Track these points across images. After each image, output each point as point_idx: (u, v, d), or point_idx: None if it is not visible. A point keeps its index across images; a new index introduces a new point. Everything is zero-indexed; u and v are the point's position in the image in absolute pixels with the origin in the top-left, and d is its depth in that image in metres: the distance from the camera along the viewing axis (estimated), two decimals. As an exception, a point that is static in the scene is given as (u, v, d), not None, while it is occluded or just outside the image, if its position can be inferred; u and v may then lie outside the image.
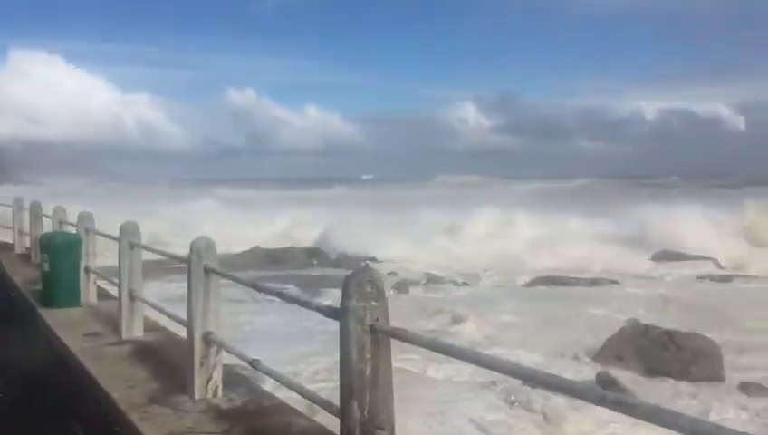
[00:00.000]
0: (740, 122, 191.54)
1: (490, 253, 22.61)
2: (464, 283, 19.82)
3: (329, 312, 3.35)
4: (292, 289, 17.40)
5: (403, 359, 9.60)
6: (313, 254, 23.89)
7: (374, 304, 3.11)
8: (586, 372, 10.39)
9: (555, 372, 10.21)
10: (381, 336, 3.11)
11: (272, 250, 24.26)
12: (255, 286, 4.46)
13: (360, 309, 3.10)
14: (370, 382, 3.09)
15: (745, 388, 9.70)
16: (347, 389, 3.12)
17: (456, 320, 14.26)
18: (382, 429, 3.10)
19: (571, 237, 23.95)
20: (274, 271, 21.32)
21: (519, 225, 25.15)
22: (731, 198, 30.00)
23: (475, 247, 23.13)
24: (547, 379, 2.42)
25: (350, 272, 3.31)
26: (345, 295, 3.14)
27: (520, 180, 61.26)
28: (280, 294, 4.13)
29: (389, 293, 17.99)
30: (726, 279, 20.56)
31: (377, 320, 3.10)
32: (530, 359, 11.37)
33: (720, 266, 22.57)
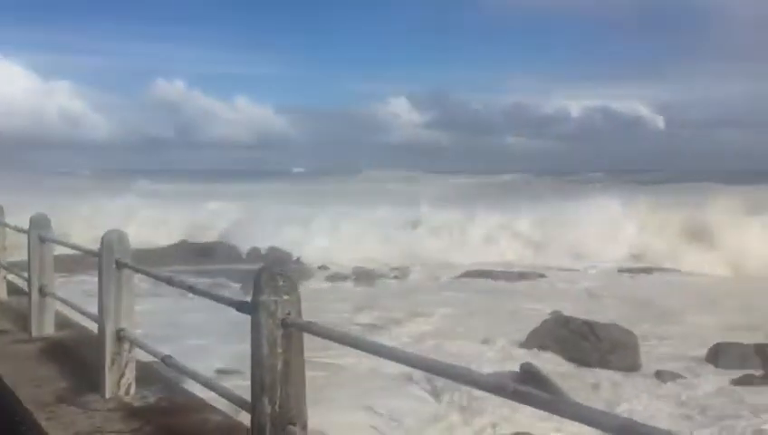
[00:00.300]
0: (659, 121, 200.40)
1: (418, 247, 22.74)
2: (395, 277, 19.93)
3: (240, 306, 3.28)
4: (231, 285, 17.09)
5: (340, 354, 9.57)
6: (242, 248, 23.53)
7: (286, 297, 3.06)
8: (515, 363, 10.58)
9: (486, 362, 10.48)
10: (293, 330, 3.06)
11: (200, 244, 23.79)
12: (169, 281, 4.33)
13: (272, 303, 3.04)
14: (282, 377, 3.03)
15: (660, 376, 10.11)
16: (258, 384, 3.06)
17: (392, 314, 14.34)
18: (294, 424, 3.05)
19: (498, 231, 24.33)
20: (204, 265, 20.94)
21: (446, 219, 25.30)
22: (650, 193, 31.13)
23: (402, 241, 23.21)
24: (458, 373, 2.42)
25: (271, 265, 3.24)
26: (256, 289, 3.07)
27: (450, 175, 61.94)
28: (191, 288, 4.02)
29: (322, 286, 17.94)
30: (646, 271, 21.37)
31: (289, 314, 3.05)
32: (463, 350, 11.56)
33: (640, 260, 23.38)
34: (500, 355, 11.13)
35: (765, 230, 22.33)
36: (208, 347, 10.70)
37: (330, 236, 22.89)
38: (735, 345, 11.00)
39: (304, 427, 3.10)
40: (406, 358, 2.61)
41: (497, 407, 8.16)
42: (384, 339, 11.76)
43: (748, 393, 9.36)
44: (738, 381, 9.88)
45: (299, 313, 3.10)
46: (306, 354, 3.12)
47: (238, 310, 3.29)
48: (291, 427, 3.04)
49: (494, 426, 8.16)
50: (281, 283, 3.07)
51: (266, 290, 3.05)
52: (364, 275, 19.46)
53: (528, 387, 2.07)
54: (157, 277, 4.49)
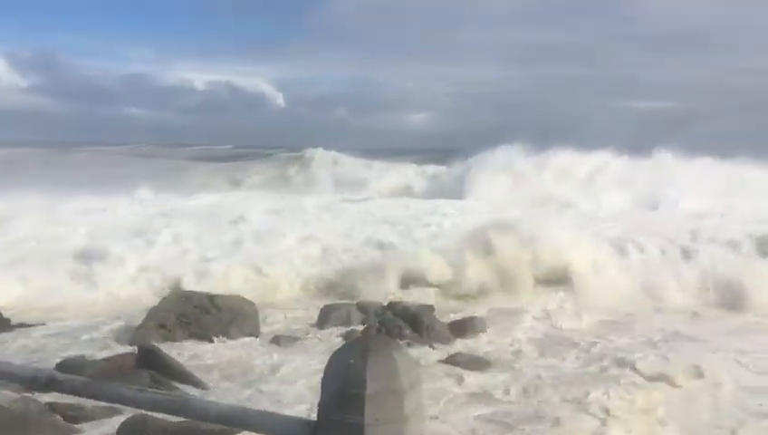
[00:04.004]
0: (279, 98, 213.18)
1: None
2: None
3: None
4: None
5: None
6: None
7: None
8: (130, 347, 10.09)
9: (99, 350, 9.77)
10: None
11: None
12: None
13: None
14: None
15: (276, 340, 10.68)
16: None
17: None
18: None
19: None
20: None
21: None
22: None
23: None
24: None
25: None
26: None
27: (58, 147, 56.42)
28: None
29: None
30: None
31: None
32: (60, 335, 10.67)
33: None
34: (112, 342, 10.50)
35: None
36: None
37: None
38: (342, 305, 12.11)
39: None
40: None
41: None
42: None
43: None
44: (345, 336, 10.91)
45: None
46: None
47: None
48: None
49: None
50: None
51: None
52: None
53: (67, 375, 1.87)
54: None
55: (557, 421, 7.66)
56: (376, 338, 1.79)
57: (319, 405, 1.83)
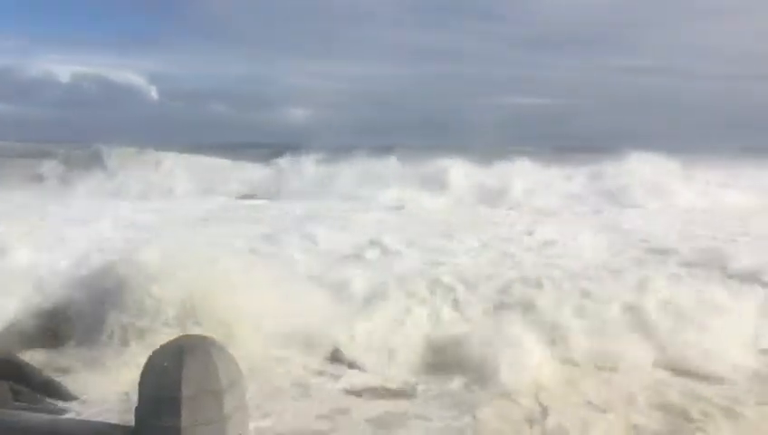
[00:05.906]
0: (153, 92, 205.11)
1: None
2: None
3: None
4: None
5: None
6: None
7: None
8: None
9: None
10: None
11: None
12: None
13: None
14: None
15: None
16: None
17: None
18: None
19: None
20: None
21: None
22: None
23: None
24: None
25: None
26: None
27: None
28: None
29: None
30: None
31: None
32: None
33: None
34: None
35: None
36: None
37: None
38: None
39: None
40: None
41: None
42: None
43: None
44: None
45: None
46: None
47: None
48: None
49: None
50: None
51: None
52: None
53: None
54: None
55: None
56: (191, 338, 1.75)
57: (135, 410, 1.77)
